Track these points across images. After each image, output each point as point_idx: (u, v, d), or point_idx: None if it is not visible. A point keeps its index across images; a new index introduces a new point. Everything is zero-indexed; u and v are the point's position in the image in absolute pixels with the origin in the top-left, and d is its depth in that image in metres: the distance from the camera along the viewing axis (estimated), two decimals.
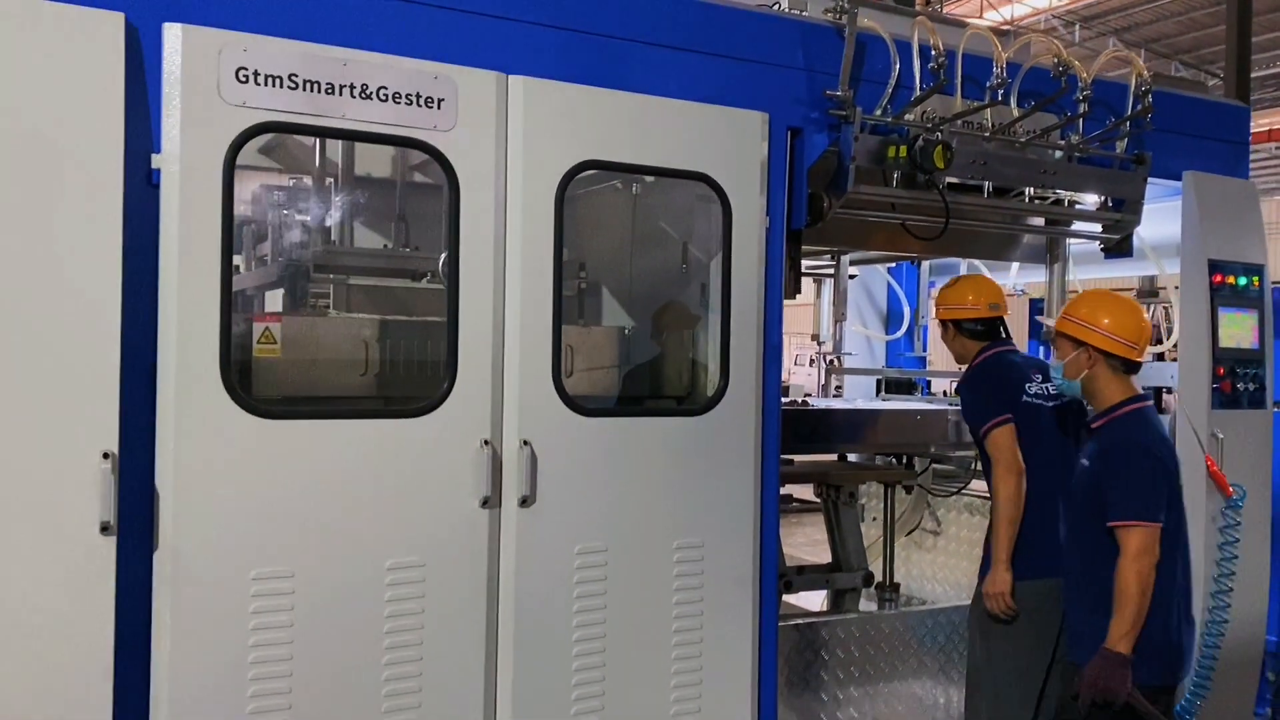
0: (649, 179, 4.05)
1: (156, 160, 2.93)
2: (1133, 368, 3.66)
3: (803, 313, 6.15)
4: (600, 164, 3.55)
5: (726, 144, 3.71)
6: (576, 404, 3.47)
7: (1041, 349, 5.56)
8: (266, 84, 3.01)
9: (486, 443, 3.30)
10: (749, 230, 3.76)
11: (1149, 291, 6.26)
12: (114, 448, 2.83)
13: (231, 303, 2.99)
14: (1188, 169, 4.69)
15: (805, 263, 4.92)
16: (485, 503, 3.30)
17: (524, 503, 3.36)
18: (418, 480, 3.23)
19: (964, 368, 4.47)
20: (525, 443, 3.35)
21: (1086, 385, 3.68)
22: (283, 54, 3.04)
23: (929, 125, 4.05)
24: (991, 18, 20.43)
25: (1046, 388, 4.23)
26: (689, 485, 3.66)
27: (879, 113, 4.01)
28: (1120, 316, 3.62)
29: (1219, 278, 4.64)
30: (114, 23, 2.86)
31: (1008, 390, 4.21)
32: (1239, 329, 4.69)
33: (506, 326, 3.34)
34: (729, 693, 3.75)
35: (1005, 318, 4.44)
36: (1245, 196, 4.87)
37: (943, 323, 4.46)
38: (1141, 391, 3.71)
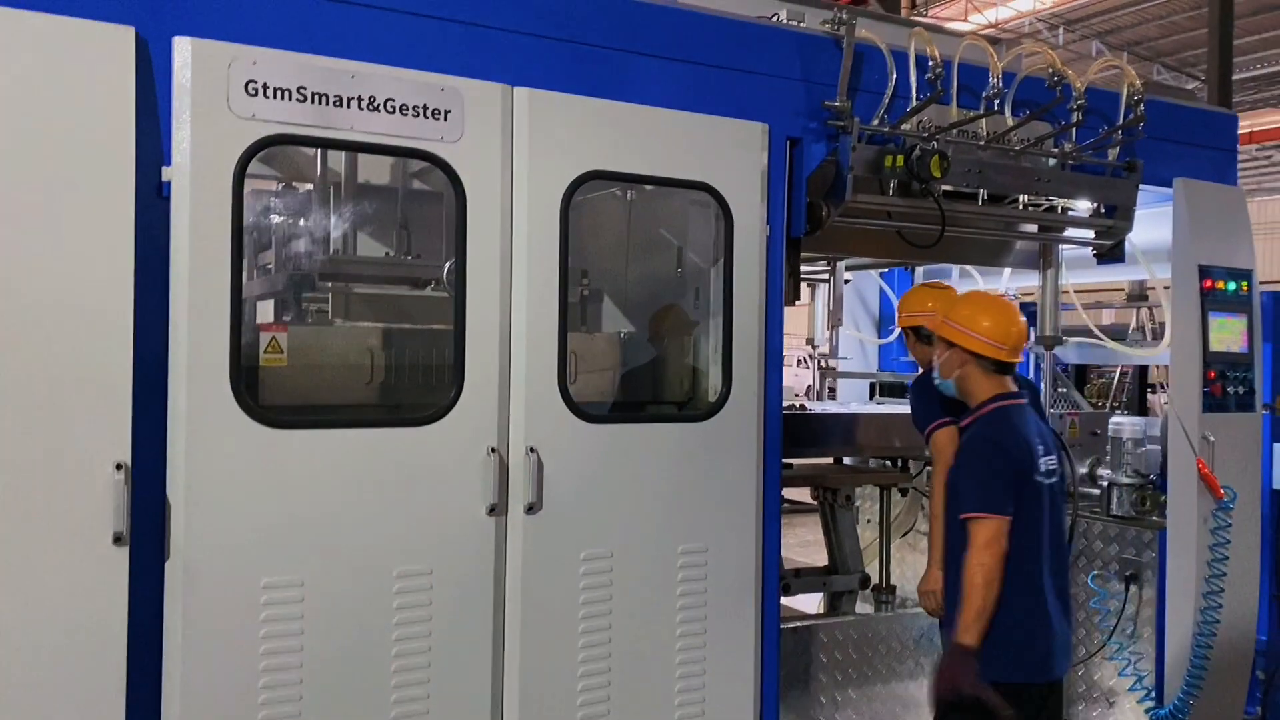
0: (648, 187, 4.09)
1: (167, 173, 2.95)
2: (1005, 368, 3.73)
3: (793, 313, 6.17)
4: (604, 174, 3.58)
5: (727, 154, 3.76)
6: (582, 411, 3.51)
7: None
8: (275, 96, 3.03)
9: (493, 450, 3.33)
10: (750, 239, 3.81)
11: (1137, 295, 6.30)
12: (127, 459, 2.85)
13: (242, 313, 3.01)
14: (1178, 176, 4.76)
15: (802, 268, 4.95)
16: (492, 510, 3.33)
17: (530, 509, 3.39)
18: (425, 488, 3.26)
19: None
20: (532, 450, 3.39)
21: (960, 385, 3.78)
22: (291, 67, 3.06)
23: (925, 135, 4.10)
24: (976, 20, 20.56)
25: None
26: (693, 490, 3.70)
27: (876, 122, 4.05)
28: (998, 320, 3.69)
29: (1209, 283, 4.70)
30: (124, 36, 2.87)
31: None
32: (1228, 333, 4.76)
33: (513, 335, 3.37)
34: (732, 696, 3.79)
35: None
36: (1234, 203, 4.93)
37: (904, 330, 4.53)
38: (1013, 390, 3.76)
